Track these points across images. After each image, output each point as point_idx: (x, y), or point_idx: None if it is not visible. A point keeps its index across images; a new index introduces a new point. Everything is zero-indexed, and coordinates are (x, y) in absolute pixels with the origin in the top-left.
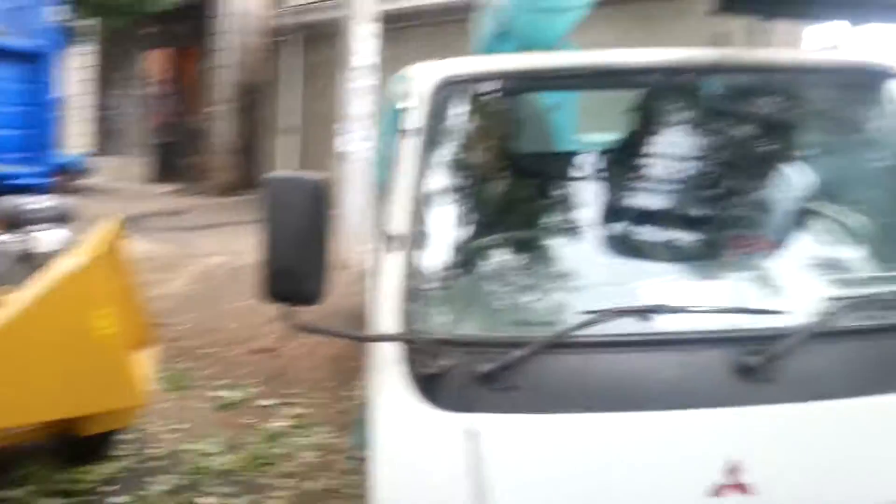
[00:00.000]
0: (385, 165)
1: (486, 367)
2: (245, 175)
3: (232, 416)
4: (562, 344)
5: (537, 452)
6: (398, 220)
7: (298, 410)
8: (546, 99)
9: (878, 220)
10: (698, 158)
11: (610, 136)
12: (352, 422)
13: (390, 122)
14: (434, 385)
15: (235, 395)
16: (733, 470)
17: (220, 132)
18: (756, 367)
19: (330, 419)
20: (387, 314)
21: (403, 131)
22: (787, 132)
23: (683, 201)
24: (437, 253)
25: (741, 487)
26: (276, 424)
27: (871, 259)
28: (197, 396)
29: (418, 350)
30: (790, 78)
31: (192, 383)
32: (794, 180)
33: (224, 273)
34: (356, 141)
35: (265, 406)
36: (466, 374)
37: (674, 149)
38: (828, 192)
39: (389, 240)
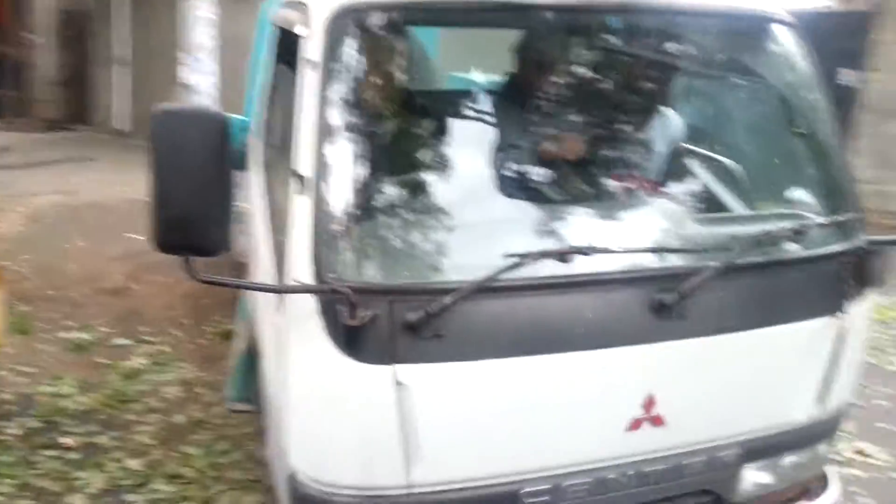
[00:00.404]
0: (265, 96)
1: (411, 316)
2: (73, 109)
3: (85, 357)
4: (486, 289)
5: (465, 401)
6: (304, 160)
7: (156, 348)
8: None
9: (759, 160)
10: (587, 99)
11: (487, 76)
12: (227, 372)
13: (269, 48)
14: (356, 337)
15: (86, 336)
16: (648, 404)
17: (44, 64)
18: (670, 303)
19: (189, 355)
20: (300, 263)
21: (301, 62)
22: (675, 74)
23: (576, 142)
24: (350, 196)
25: (655, 419)
26: (134, 363)
27: (755, 197)
28: (44, 339)
29: (337, 301)
30: (679, 20)
31: (38, 326)
32: (678, 122)
33: (58, 213)
34: (201, 73)
35: (120, 346)
36: (390, 325)
37: (565, 89)
38: (712, 133)
39: (297, 181)
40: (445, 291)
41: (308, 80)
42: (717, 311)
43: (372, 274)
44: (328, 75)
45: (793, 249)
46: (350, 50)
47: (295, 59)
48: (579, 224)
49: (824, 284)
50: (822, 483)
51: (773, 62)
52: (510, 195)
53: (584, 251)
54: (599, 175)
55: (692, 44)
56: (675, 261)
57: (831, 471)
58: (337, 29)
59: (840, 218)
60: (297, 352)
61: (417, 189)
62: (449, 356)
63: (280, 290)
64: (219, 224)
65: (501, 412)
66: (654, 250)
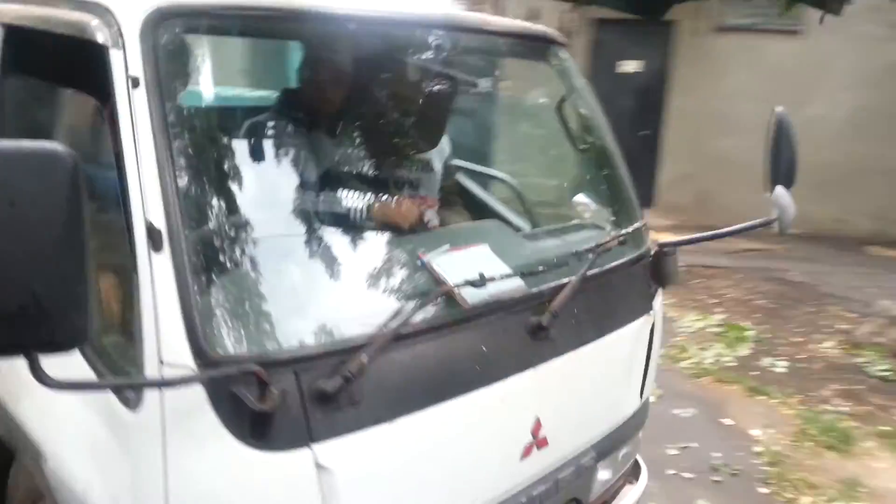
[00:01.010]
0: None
1: (326, 385)
2: None
3: None
4: (390, 339)
5: (383, 467)
6: (153, 207)
7: None
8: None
9: (552, 174)
10: (376, 117)
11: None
12: None
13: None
14: (264, 423)
15: None
16: (536, 428)
17: None
18: (547, 324)
19: None
20: (171, 341)
21: (112, 80)
22: (460, 92)
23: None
24: (220, 246)
25: (541, 442)
26: None
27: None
28: None
29: (234, 382)
30: (462, 37)
31: None
32: (445, 140)
33: None
34: None
35: None
36: (300, 400)
37: (361, 105)
38: (492, 149)
39: (141, 236)
40: (354, 349)
41: (136, 103)
42: (575, 324)
43: (266, 343)
44: (161, 95)
45: (616, 257)
46: (170, 66)
47: (76, 73)
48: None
49: (638, 287)
50: (636, 467)
51: (557, 82)
52: (346, 232)
53: (476, 284)
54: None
55: (477, 62)
56: (536, 280)
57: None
58: (153, 40)
59: (639, 225)
60: (181, 456)
61: (293, 230)
62: (364, 423)
63: (167, 382)
64: (76, 304)
65: (418, 469)
66: (528, 273)
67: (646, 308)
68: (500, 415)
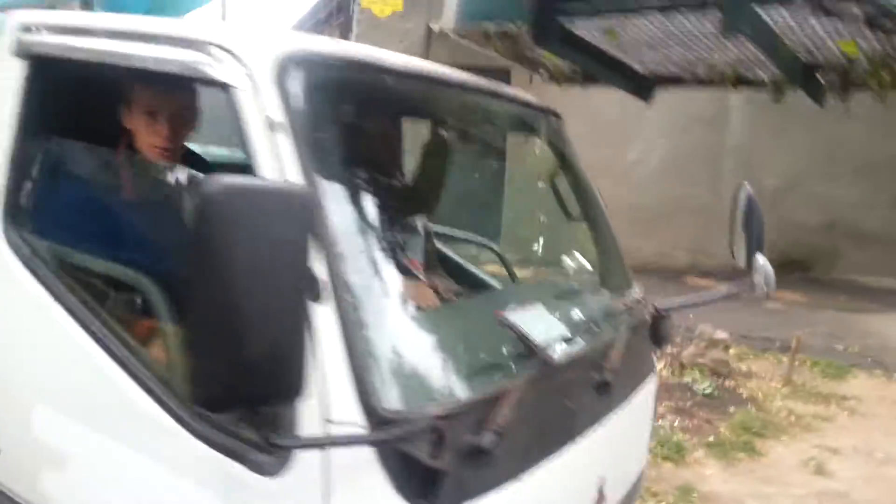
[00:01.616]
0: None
1: (483, 439)
2: None
3: None
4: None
5: None
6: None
7: None
8: None
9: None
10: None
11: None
12: None
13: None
14: (436, 482)
15: None
16: (600, 485)
17: None
18: (610, 380)
19: None
20: (338, 398)
21: (246, 121)
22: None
23: None
24: (380, 295)
25: (601, 497)
26: None
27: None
28: None
29: (407, 439)
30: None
31: None
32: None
33: None
34: None
35: None
36: (457, 456)
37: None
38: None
39: (311, 287)
40: (495, 402)
41: (268, 147)
42: (616, 383)
43: (429, 397)
44: (304, 138)
45: (634, 318)
46: (307, 110)
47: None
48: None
49: (646, 347)
50: None
51: (552, 152)
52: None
53: (566, 342)
54: None
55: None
56: (589, 339)
57: None
58: (286, 85)
59: (636, 290)
60: None
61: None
62: (500, 480)
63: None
64: (301, 353)
65: None
66: (583, 332)
67: (652, 367)
68: (580, 468)
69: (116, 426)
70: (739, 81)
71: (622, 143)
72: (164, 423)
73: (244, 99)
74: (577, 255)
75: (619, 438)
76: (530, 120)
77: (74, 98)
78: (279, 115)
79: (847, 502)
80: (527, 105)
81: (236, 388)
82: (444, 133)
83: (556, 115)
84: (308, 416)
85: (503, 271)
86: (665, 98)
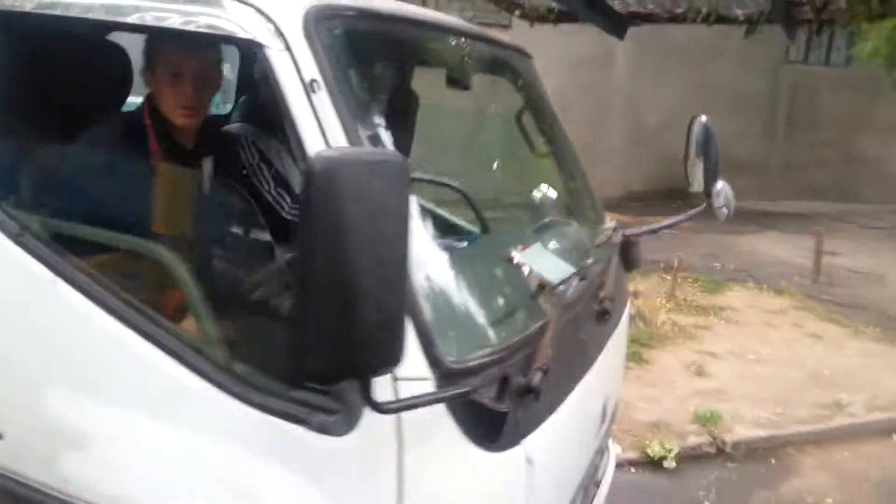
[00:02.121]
0: None
1: (532, 379)
2: None
3: None
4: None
5: (553, 453)
6: None
7: None
8: None
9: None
10: None
11: None
12: None
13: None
14: (499, 424)
15: None
16: (604, 403)
17: None
18: (609, 309)
19: None
20: (410, 356)
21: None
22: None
23: None
24: (426, 254)
25: (605, 414)
26: None
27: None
28: None
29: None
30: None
31: None
32: None
33: None
34: None
35: None
36: (512, 396)
37: None
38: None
39: None
40: (537, 338)
41: (320, 108)
42: (613, 310)
43: (484, 344)
44: (333, 101)
45: (611, 247)
46: (342, 66)
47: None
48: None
49: (622, 274)
50: None
51: (525, 91)
52: None
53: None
54: None
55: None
56: (588, 270)
57: None
58: (319, 41)
59: (608, 219)
60: (421, 470)
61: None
62: (544, 413)
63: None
64: (401, 323)
65: (567, 447)
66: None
67: (626, 291)
68: (594, 392)
69: (148, 400)
70: (717, 19)
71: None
72: (203, 391)
73: (276, 58)
74: (552, 190)
75: (612, 359)
76: (507, 60)
77: (52, 60)
78: (315, 73)
79: (724, 397)
80: (503, 46)
81: (346, 359)
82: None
83: (528, 55)
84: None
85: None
86: (553, 38)
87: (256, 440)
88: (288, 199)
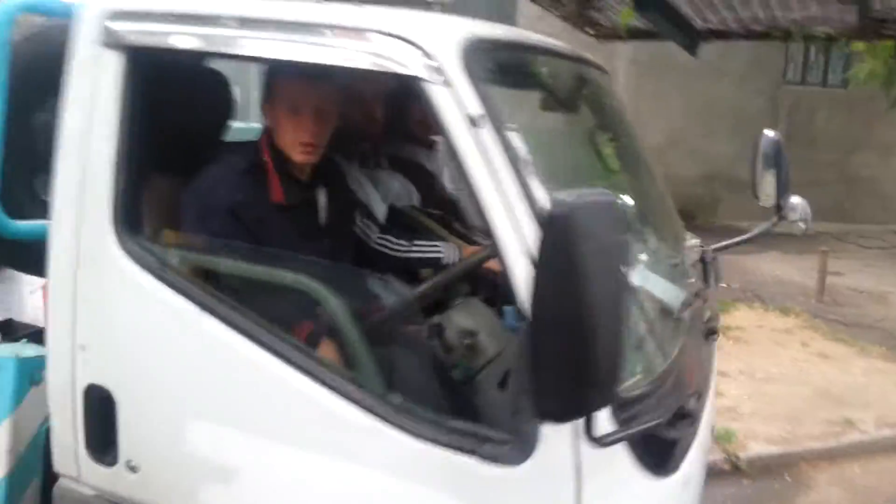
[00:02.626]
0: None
1: (689, 403)
2: None
3: None
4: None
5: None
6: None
7: None
8: None
9: None
10: None
11: None
12: None
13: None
14: (667, 451)
15: None
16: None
17: None
18: (718, 328)
19: None
20: None
21: (446, 116)
22: None
23: None
24: None
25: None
26: None
27: None
28: None
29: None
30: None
31: None
32: None
33: None
34: None
35: None
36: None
37: None
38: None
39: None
40: (684, 363)
41: (484, 143)
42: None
43: (643, 370)
44: (493, 132)
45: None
46: (493, 97)
47: None
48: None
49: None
50: None
51: (604, 108)
52: None
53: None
54: None
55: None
56: (692, 287)
57: None
58: (474, 72)
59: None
60: (599, 499)
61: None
62: (692, 437)
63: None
64: (621, 356)
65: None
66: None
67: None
68: (709, 409)
69: (301, 433)
70: (805, 38)
71: None
72: (363, 424)
73: (436, 93)
74: (640, 207)
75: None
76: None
77: (183, 93)
78: (478, 108)
79: (736, 415)
80: (591, 64)
81: (580, 396)
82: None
83: (606, 72)
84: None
85: None
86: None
87: (422, 472)
88: (375, 229)
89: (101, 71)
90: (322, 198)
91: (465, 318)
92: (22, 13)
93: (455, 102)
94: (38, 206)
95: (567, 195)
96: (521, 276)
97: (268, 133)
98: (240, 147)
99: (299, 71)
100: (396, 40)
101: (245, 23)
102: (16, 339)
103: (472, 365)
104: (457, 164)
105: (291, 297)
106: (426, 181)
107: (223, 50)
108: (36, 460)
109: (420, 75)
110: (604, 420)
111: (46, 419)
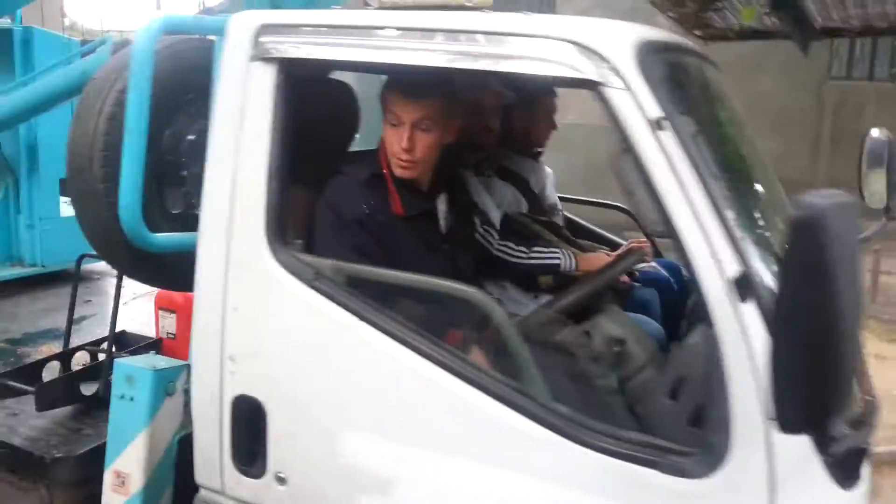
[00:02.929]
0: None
1: (870, 410)
2: None
3: None
4: None
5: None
6: (731, 257)
7: None
8: None
9: None
10: None
11: None
12: None
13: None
14: (856, 464)
15: None
16: None
17: None
18: None
19: None
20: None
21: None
22: None
23: None
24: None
25: None
26: None
27: None
28: None
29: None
30: None
31: None
32: None
33: None
34: None
35: None
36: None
37: None
38: None
39: (737, 285)
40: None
41: (651, 145)
42: None
43: None
44: (677, 136)
45: None
46: (670, 100)
47: None
48: None
49: None
50: None
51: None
52: None
53: None
54: None
55: None
56: None
57: None
58: (650, 75)
59: None
60: None
61: None
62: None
63: None
64: (857, 363)
65: None
66: None
67: None
68: None
69: (467, 444)
70: None
71: (561, 109)
72: (535, 435)
73: (616, 97)
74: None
75: None
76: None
77: (323, 103)
78: (658, 112)
79: None
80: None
81: (828, 405)
82: None
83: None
84: (746, 417)
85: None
86: None
87: (597, 483)
88: (495, 235)
89: (253, 84)
90: (442, 205)
91: (613, 325)
92: (165, 32)
93: (636, 106)
94: (169, 219)
95: (812, 197)
96: (711, 283)
97: (383, 144)
98: (362, 157)
99: (403, 82)
100: (571, 45)
101: (408, 33)
102: (132, 351)
103: (623, 373)
104: (639, 168)
105: (441, 306)
106: (528, 190)
107: (388, 61)
108: (169, 470)
109: (599, 79)
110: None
111: (179, 429)
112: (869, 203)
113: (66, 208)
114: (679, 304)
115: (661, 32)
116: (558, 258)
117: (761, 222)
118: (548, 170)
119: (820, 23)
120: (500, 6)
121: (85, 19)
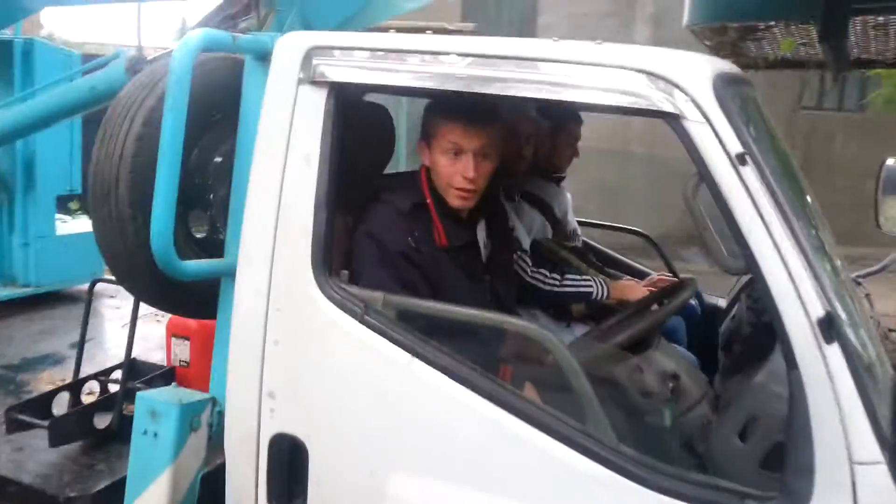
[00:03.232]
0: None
1: None
2: None
3: None
4: None
5: None
6: (810, 295)
7: None
8: None
9: None
10: None
11: None
12: None
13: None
14: None
15: None
16: None
17: None
18: None
19: None
20: (861, 438)
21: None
22: None
23: None
24: (853, 329)
25: None
26: None
27: None
28: None
29: None
30: None
31: None
32: None
33: None
34: None
35: None
36: None
37: None
38: None
39: (821, 327)
40: None
41: (749, 182)
42: None
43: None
44: (758, 170)
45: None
46: (748, 131)
47: None
48: None
49: None
50: None
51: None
52: None
53: None
54: None
55: None
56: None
57: None
58: (729, 106)
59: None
60: None
61: None
62: None
63: None
64: None
65: None
66: None
67: None
68: None
69: (524, 485)
70: None
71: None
72: (597, 474)
73: (696, 130)
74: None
75: None
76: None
77: (366, 128)
78: (740, 146)
79: None
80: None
81: None
82: None
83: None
84: (830, 460)
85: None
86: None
87: None
88: (529, 262)
89: (301, 107)
90: (482, 233)
91: (666, 359)
92: (202, 50)
93: (716, 139)
94: (193, 244)
95: None
96: (796, 324)
97: (426, 172)
98: (400, 183)
99: (466, 110)
100: (647, 77)
101: (477, 59)
102: (145, 381)
103: (677, 409)
104: (719, 203)
105: (494, 341)
106: (552, 215)
107: (456, 88)
108: None
109: (676, 111)
110: None
111: (203, 466)
112: (884, 229)
113: (62, 226)
114: (704, 331)
115: (727, 63)
116: (591, 286)
117: (829, 259)
118: (568, 195)
119: (855, 54)
120: (482, 30)
121: (62, 30)
